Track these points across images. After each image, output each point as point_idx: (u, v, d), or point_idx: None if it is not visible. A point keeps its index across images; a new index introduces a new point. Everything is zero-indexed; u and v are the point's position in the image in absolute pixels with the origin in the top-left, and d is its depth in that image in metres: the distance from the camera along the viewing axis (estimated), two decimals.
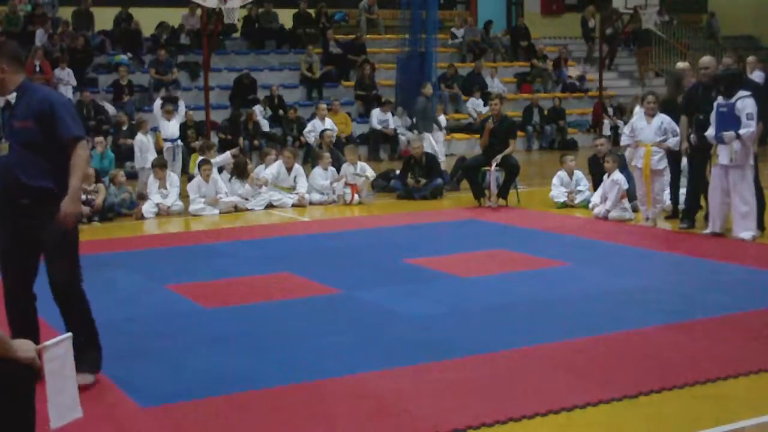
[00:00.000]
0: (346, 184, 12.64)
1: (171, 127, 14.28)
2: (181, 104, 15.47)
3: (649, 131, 10.04)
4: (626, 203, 10.79)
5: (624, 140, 10.52)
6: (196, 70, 19.01)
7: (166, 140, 14.31)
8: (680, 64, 11.45)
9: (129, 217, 11.63)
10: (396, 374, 5.14)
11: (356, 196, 12.55)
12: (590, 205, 11.19)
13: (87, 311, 5.09)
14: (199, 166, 12.23)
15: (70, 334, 3.36)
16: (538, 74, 22.52)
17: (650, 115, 10.12)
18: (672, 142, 9.98)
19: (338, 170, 13.02)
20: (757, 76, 11.90)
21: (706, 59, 10.01)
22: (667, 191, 11.02)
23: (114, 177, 11.91)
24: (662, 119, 10.05)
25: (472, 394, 4.79)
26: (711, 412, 4.49)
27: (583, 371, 5.17)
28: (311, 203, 12.53)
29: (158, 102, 14.90)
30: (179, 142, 14.48)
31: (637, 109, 11.58)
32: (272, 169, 12.60)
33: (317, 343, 5.82)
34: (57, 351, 3.28)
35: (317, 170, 12.93)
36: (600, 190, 11.05)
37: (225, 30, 19.51)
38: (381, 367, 5.27)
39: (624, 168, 11.16)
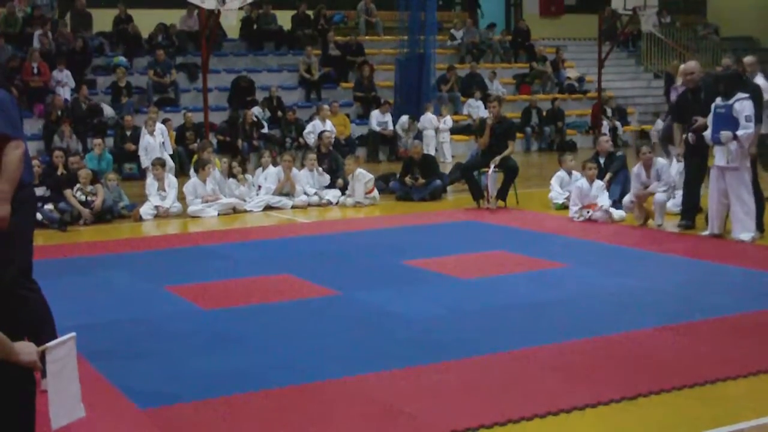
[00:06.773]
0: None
1: (152, 140, 14.25)
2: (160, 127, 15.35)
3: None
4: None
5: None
6: (195, 72, 19.01)
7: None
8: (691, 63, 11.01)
9: (127, 219, 11.63)
10: (395, 376, 5.14)
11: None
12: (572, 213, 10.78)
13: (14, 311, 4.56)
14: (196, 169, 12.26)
15: (73, 334, 3.35)
16: (537, 75, 22.53)
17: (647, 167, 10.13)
18: (673, 150, 9.97)
19: (336, 173, 13.00)
20: (759, 79, 11.83)
21: (691, 64, 9.97)
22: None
23: (105, 178, 11.93)
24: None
25: (470, 396, 4.79)
26: (710, 414, 4.49)
27: (582, 373, 5.16)
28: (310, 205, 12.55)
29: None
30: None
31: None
32: (272, 182, 12.56)
33: (316, 345, 5.81)
34: (59, 352, 3.27)
35: (304, 172, 12.84)
36: (576, 191, 10.77)
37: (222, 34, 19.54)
38: (380, 368, 5.26)
39: (623, 168, 11.17)
